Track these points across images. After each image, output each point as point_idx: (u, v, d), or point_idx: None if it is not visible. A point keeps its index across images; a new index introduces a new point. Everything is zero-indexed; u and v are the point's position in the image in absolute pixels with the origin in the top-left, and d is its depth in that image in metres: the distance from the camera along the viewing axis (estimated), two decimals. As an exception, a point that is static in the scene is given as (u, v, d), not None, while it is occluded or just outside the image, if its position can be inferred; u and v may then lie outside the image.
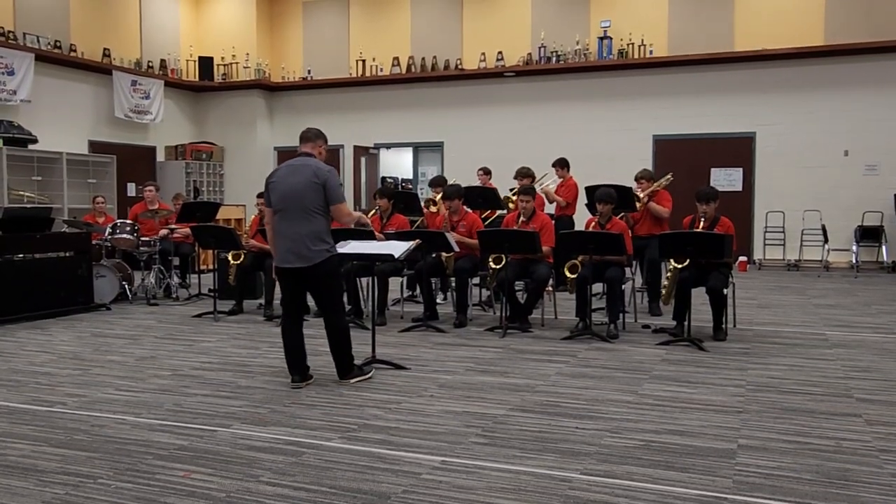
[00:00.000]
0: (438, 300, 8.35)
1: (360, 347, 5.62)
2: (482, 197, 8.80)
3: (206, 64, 14.93)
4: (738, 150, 12.70)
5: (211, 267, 9.99)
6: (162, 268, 9.22)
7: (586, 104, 13.46)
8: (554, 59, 13.37)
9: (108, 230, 8.90)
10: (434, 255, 7.31)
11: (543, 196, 9.05)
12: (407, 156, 15.72)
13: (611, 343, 6.35)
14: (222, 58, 15.06)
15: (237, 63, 15.02)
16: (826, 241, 11.78)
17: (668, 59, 12.74)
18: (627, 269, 7.20)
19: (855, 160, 12.09)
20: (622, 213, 7.67)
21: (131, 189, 13.34)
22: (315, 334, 6.04)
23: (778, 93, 12.42)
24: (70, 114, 12.60)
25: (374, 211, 8.08)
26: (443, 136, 14.46)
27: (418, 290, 8.42)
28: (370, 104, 14.88)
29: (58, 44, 12.26)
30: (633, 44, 12.95)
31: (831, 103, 12.15)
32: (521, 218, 7.11)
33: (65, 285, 8.06)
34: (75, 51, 12.54)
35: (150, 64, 14.03)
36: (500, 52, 13.71)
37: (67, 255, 8.20)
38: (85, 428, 4.11)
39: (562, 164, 9.38)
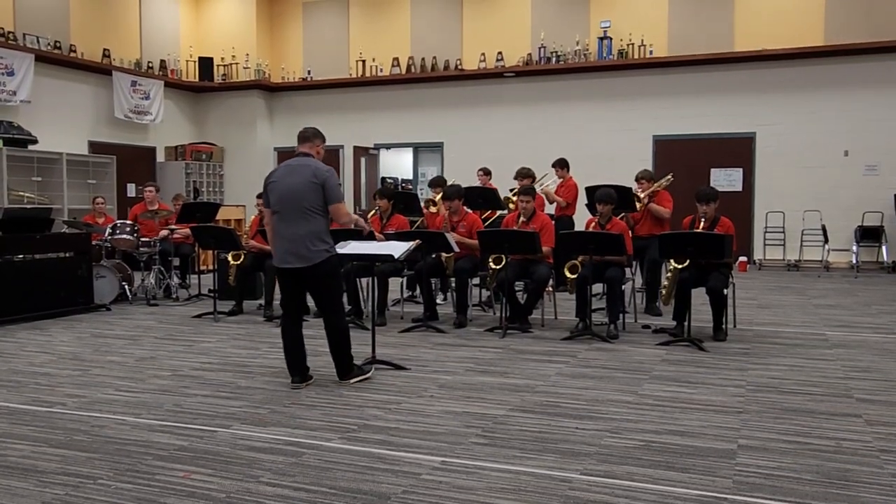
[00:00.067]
0: (438, 300, 8.35)
1: (360, 348, 5.62)
2: (482, 197, 8.79)
3: (205, 64, 14.93)
4: (738, 150, 12.70)
5: (211, 267, 10.00)
6: (162, 268, 9.22)
7: (586, 104, 13.46)
8: (554, 59, 13.37)
9: (108, 231, 8.90)
10: (434, 256, 7.31)
11: (543, 196, 9.05)
12: (407, 156, 15.72)
13: (611, 343, 6.35)
14: (222, 58, 15.06)
15: (237, 63, 15.02)
16: (826, 241, 11.78)
17: (668, 60, 12.74)
18: (627, 270, 7.20)
19: (855, 160, 12.09)
20: (623, 214, 7.67)
21: (131, 189, 13.34)
22: (315, 335, 6.04)
23: (778, 93, 12.42)
24: (70, 114, 12.60)
25: (373, 211, 8.08)
26: (443, 136, 14.46)
27: (418, 291, 8.42)
28: (370, 104, 14.88)
29: (58, 44, 12.26)
30: (632, 44, 12.95)
31: (831, 103, 12.15)
32: (521, 218, 7.10)
33: (65, 286, 8.06)
34: (75, 51, 12.54)
35: (150, 64, 14.03)
36: (499, 53, 13.71)
37: (67, 255, 8.20)
38: (85, 428, 4.11)
39: (561, 165, 9.38)
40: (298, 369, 5.01)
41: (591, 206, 7.70)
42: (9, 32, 11.49)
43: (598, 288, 7.59)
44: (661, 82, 12.99)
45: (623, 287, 6.88)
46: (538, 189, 8.73)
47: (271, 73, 15.16)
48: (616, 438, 3.87)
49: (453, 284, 7.67)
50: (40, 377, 5.33)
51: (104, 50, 13.08)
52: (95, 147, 12.92)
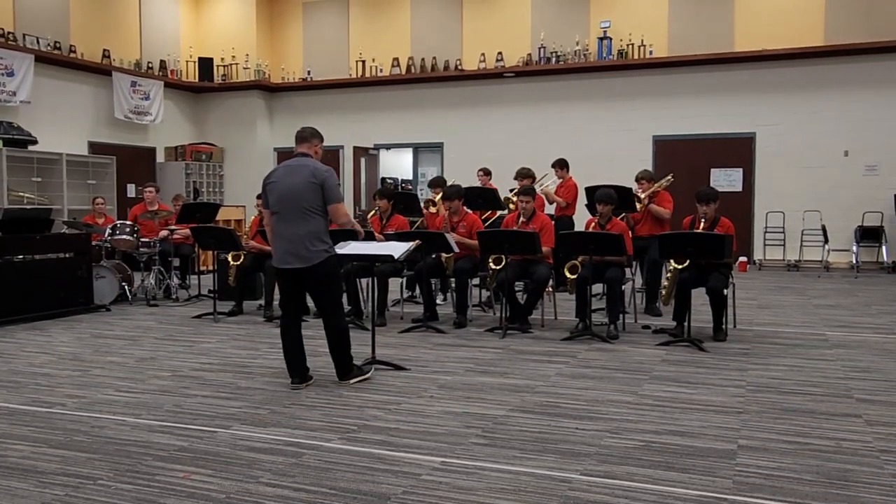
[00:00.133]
0: (438, 301, 8.35)
1: (360, 348, 5.62)
2: (482, 198, 8.79)
3: (205, 65, 14.93)
4: (738, 150, 12.70)
5: (211, 268, 9.99)
6: (162, 269, 9.22)
7: (586, 105, 13.46)
8: (554, 59, 13.37)
9: (108, 231, 8.90)
10: (434, 256, 7.30)
11: (543, 197, 9.05)
12: (407, 156, 15.73)
13: (611, 344, 6.35)
14: (222, 59, 15.06)
15: (237, 64, 15.02)
16: (826, 241, 11.78)
17: (667, 60, 12.74)
18: (627, 270, 7.20)
19: (855, 160, 12.09)
20: (623, 214, 7.67)
21: (131, 190, 13.34)
22: (315, 335, 6.04)
23: (778, 93, 12.42)
24: (70, 115, 12.60)
25: (373, 212, 8.08)
26: (442, 136, 14.46)
27: (418, 291, 8.42)
28: (370, 105, 14.88)
29: (57, 45, 12.26)
30: (632, 44, 12.95)
31: (831, 103, 12.15)
32: (521, 218, 7.10)
33: (65, 286, 8.05)
34: (75, 52, 12.54)
35: (150, 65, 14.03)
36: (499, 53, 13.71)
37: (67, 256, 8.20)
38: (85, 429, 4.11)
39: (561, 165, 9.38)
40: (298, 370, 5.01)
41: (590, 207, 7.70)
42: (9, 33, 11.49)
43: (597, 288, 7.60)
44: (661, 82, 12.99)
45: (623, 287, 6.88)
46: (538, 189, 8.73)
47: (271, 73, 15.16)
48: (616, 439, 3.87)
49: (453, 285, 7.67)
50: (40, 378, 5.33)
51: (104, 50, 13.08)
52: (95, 147, 12.93)
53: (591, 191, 7.80)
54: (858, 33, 11.76)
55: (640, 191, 8.10)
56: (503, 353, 5.99)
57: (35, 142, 11.32)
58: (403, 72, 14.38)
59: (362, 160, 14.72)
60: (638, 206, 7.96)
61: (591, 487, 3.24)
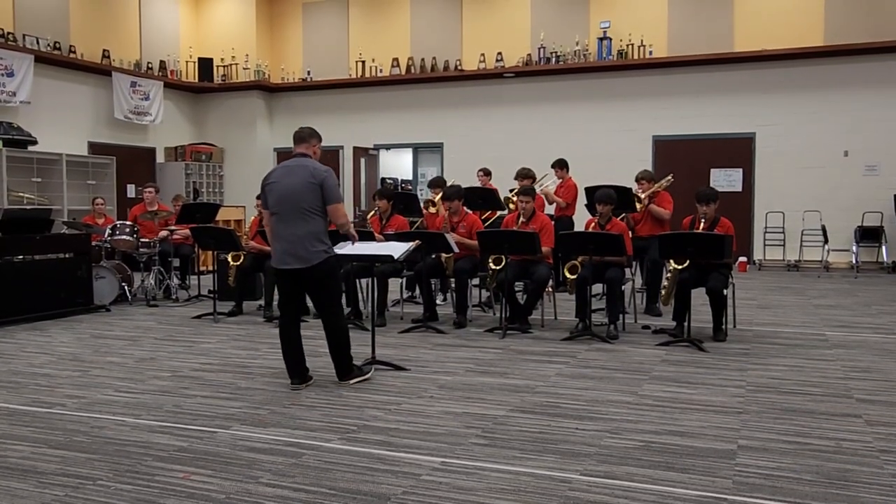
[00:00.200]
0: (438, 301, 8.35)
1: (360, 348, 5.62)
2: (482, 198, 8.79)
3: (205, 65, 14.93)
4: (738, 150, 12.70)
5: (210, 268, 9.99)
6: (161, 269, 9.22)
7: (586, 105, 13.46)
8: (553, 59, 13.37)
9: (108, 231, 8.90)
10: (434, 256, 7.30)
11: (543, 197, 9.04)
12: (406, 157, 15.73)
13: (611, 344, 6.35)
14: (222, 59, 15.06)
15: (237, 64, 15.02)
16: (826, 241, 11.78)
17: (667, 60, 12.74)
18: (627, 270, 7.20)
19: (855, 160, 12.09)
20: (623, 214, 7.67)
21: (131, 190, 13.34)
22: (315, 335, 6.04)
23: (778, 93, 12.42)
24: (70, 115, 12.60)
25: (373, 212, 8.08)
26: (442, 136, 14.46)
27: (418, 291, 8.42)
28: (370, 105, 14.88)
29: (57, 45, 12.27)
30: (632, 44, 12.95)
31: (831, 103, 12.16)
32: (521, 219, 7.10)
33: (64, 287, 8.05)
34: (75, 52, 12.54)
35: (150, 65, 14.03)
36: (499, 53, 13.71)
37: (67, 256, 8.20)
38: (84, 429, 4.11)
39: (561, 165, 9.38)
40: (297, 371, 5.01)
41: (590, 207, 7.70)
42: (8, 33, 11.49)
43: (597, 288, 7.60)
44: (661, 82, 12.99)
45: (623, 288, 6.88)
46: (538, 189, 8.72)
47: (271, 73, 15.16)
48: (616, 439, 3.87)
49: (453, 285, 7.67)
50: (40, 378, 5.33)
51: (104, 51, 13.08)
52: (95, 148, 12.93)
53: (590, 191, 7.80)
54: (858, 33, 11.76)
55: (641, 191, 8.10)
56: (503, 354, 5.99)
57: (35, 142, 11.32)
58: (403, 72, 14.38)
59: (362, 160, 14.72)
60: (638, 206, 7.96)
61: (591, 488, 3.24)
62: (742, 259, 12.18)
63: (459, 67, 14.04)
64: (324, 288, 4.98)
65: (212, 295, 8.49)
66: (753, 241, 12.68)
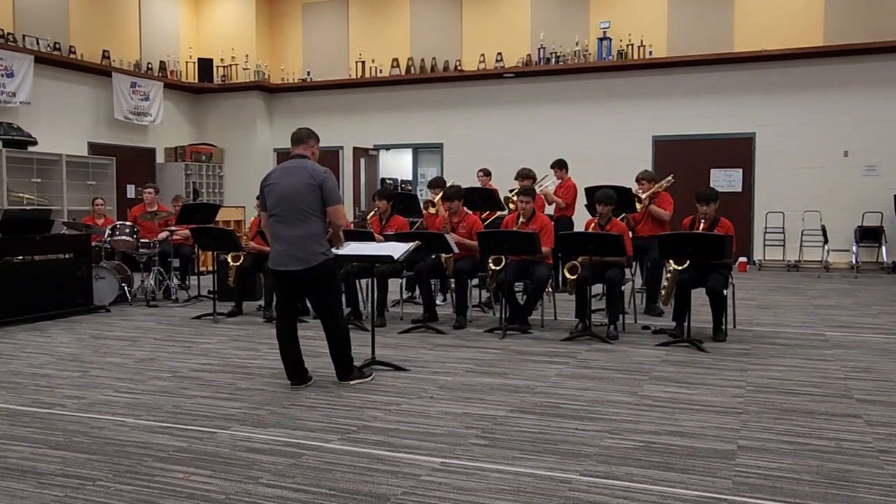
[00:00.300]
0: (438, 301, 8.35)
1: (360, 349, 5.61)
2: (482, 198, 8.79)
3: (205, 65, 14.94)
4: (738, 150, 12.71)
5: (210, 269, 9.99)
6: (161, 269, 9.22)
7: (586, 105, 13.46)
8: (553, 60, 13.37)
9: (108, 232, 8.90)
10: (433, 257, 7.30)
11: (543, 197, 9.04)
12: (406, 157, 15.73)
13: (610, 344, 6.35)
14: (222, 59, 15.07)
15: (237, 64, 15.03)
16: (826, 241, 11.77)
17: (667, 60, 12.74)
18: (627, 271, 7.20)
19: (855, 160, 12.09)
20: (623, 215, 7.67)
21: (131, 191, 13.34)
22: (315, 336, 6.04)
23: (778, 93, 12.43)
24: (69, 116, 12.60)
25: (373, 212, 8.08)
26: (442, 137, 14.46)
27: (417, 292, 8.42)
28: (370, 105, 14.88)
29: (57, 46, 12.27)
30: (632, 44, 12.95)
31: (831, 103, 12.16)
32: (521, 219, 7.10)
33: (64, 287, 8.05)
34: (75, 53, 12.55)
35: (150, 66, 14.03)
36: (499, 54, 13.72)
37: (67, 256, 8.20)
38: (84, 430, 4.11)
39: (560, 166, 9.38)
40: (296, 372, 5.00)
41: (590, 207, 7.70)
42: (8, 34, 11.49)
43: (597, 289, 7.59)
44: (661, 83, 12.99)
45: (623, 288, 6.88)
46: (537, 190, 8.72)
47: (271, 74, 15.17)
48: (615, 439, 3.87)
49: (453, 285, 7.67)
50: (40, 378, 5.33)
51: (104, 51, 13.08)
52: (95, 148, 12.93)
53: (590, 191, 7.79)
54: (858, 33, 11.76)
55: (641, 191, 8.10)
56: (503, 354, 5.99)
57: (35, 143, 11.32)
58: (403, 72, 14.38)
59: (362, 161, 14.72)
60: (638, 206, 7.96)
61: (591, 488, 3.24)
62: (742, 259, 12.18)
63: (459, 68, 14.05)
64: (323, 289, 4.97)
65: (211, 295, 8.49)
66: (753, 241, 12.68)
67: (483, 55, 13.85)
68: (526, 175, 8.83)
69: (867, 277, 11.13)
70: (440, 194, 8.03)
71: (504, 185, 9.85)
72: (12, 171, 10.94)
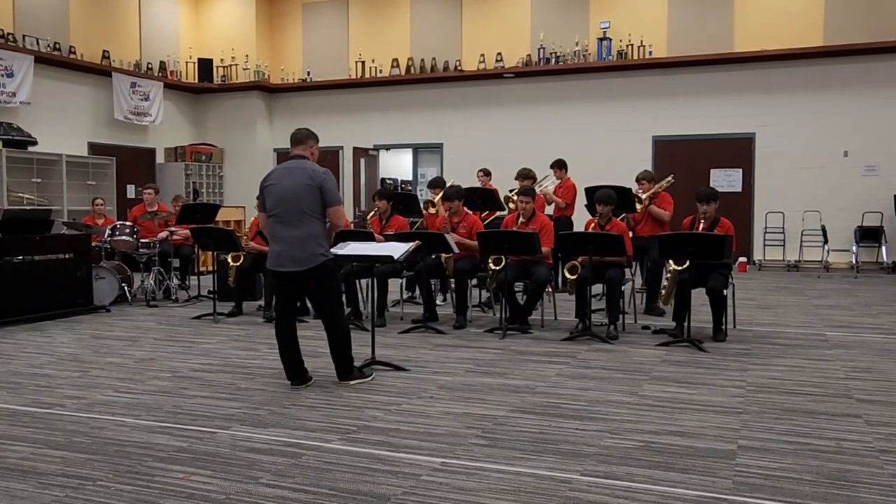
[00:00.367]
0: (438, 301, 8.35)
1: (360, 349, 5.61)
2: (482, 198, 8.79)
3: (205, 66, 14.94)
4: (738, 150, 12.71)
5: (210, 269, 9.99)
6: (161, 269, 9.22)
7: (586, 105, 13.46)
8: (553, 60, 13.37)
9: (108, 232, 8.90)
10: (433, 257, 7.30)
11: (542, 197, 9.04)
12: (406, 157, 15.73)
13: (611, 344, 6.35)
14: (221, 59, 15.07)
15: (237, 65, 15.03)
16: (826, 241, 11.78)
17: (667, 60, 12.74)
18: (627, 271, 7.19)
19: (855, 160, 12.09)
20: (623, 215, 7.67)
21: (131, 191, 13.34)
22: (315, 336, 6.04)
23: (778, 93, 12.43)
24: (69, 116, 12.60)
25: (373, 212, 8.08)
26: (442, 137, 14.47)
27: (418, 292, 8.42)
28: (369, 105, 14.89)
29: (57, 46, 12.27)
30: (632, 45, 12.95)
31: (831, 104, 12.16)
32: (521, 219, 7.10)
33: (64, 287, 8.05)
34: (75, 53, 12.55)
35: (150, 66, 14.04)
36: (499, 54, 13.72)
37: (67, 256, 8.20)
38: (84, 430, 4.11)
39: (560, 166, 9.38)
40: (295, 372, 5.00)
41: (590, 207, 7.69)
42: (8, 34, 11.49)
43: (597, 289, 7.59)
44: (661, 83, 12.99)
45: (623, 288, 6.88)
46: (537, 190, 8.72)
47: (271, 74, 15.17)
48: (616, 439, 3.87)
49: (453, 285, 7.66)
50: (40, 378, 5.33)
51: (104, 51, 13.08)
52: (95, 148, 12.93)
53: (590, 191, 7.79)
54: (858, 33, 11.76)
55: (641, 191, 8.10)
56: (503, 354, 5.99)
57: (35, 143, 11.32)
58: (403, 72, 14.38)
59: (362, 161, 14.72)
60: (638, 206, 7.96)
61: (591, 488, 3.24)
62: (742, 259, 12.18)
63: (459, 68, 14.05)
64: (323, 289, 4.97)
65: (211, 295, 8.49)
66: (753, 241, 12.68)
67: (483, 55, 13.85)
68: (526, 175, 8.83)
69: (867, 277, 11.13)
70: (440, 194, 8.03)
71: (504, 185, 9.85)
72: (12, 171, 10.94)
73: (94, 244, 8.69)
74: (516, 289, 7.32)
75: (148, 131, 14.16)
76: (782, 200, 12.45)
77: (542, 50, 13.42)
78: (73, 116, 12.68)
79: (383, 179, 15.33)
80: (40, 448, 3.82)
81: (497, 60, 13.73)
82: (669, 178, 8.40)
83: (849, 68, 12.02)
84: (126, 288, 8.85)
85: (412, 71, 14.34)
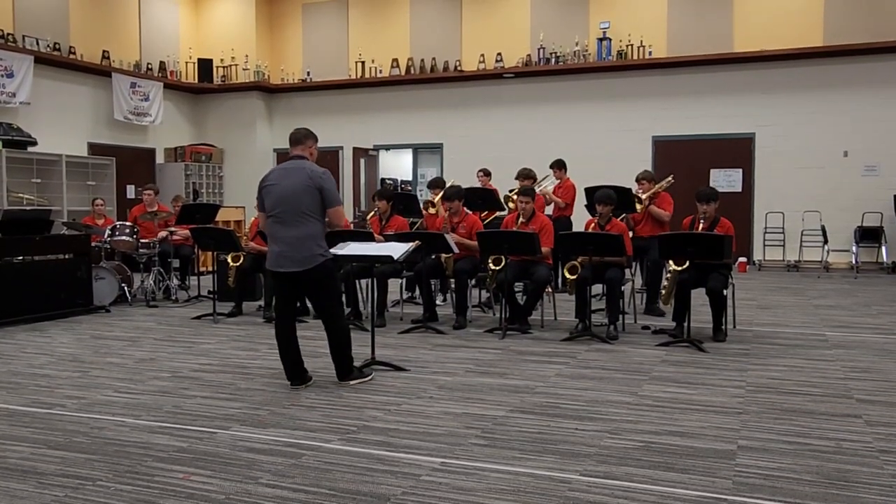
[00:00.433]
0: (438, 301, 8.35)
1: (360, 349, 5.61)
2: (482, 198, 8.79)
3: (205, 66, 14.94)
4: (738, 150, 12.71)
5: (210, 269, 9.99)
6: (161, 270, 9.22)
7: (586, 105, 13.46)
8: (553, 60, 13.37)
9: (108, 232, 8.90)
10: (433, 257, 7.30)
11: (542, 197, 9.03)
12: (406, 157, 15.73)
13: (610, 344, 6.35)
14: (221, 60, 15.07)
15: (236, 65, 15.03)
16: (826, 241, 11.78)
17: (667, 60, 12.75)
18: (627, 271, 7.19)
19: (855, 160, 12.09)
20: (623, 215, 7.67)
21: (131, 191, 13.34)
22: (315, 336, 6.04)
23: (778, 93, 12.43)
24: (69, 116, 12.60)
25: (373, 212, 8.08)
26: (442, 137, 14.47)
27: (417, 292, 8.42)
28: (369, 106, 14.89)
29: (57, 46, 12.27)
30: (632, 45, 12.95)
31: (831, 104, 12.16)
32: (521, 219, 7.10)
33: (64, 287, 8.05)
34: (74, 53, 12.55)
35: (150, 66, 14.04)
36: (499, 54, 13.72)
37: (67, 257, 8.20)
38: (84, 430, 4.11)
39: (559, 166, 9.38)
40: (295, 372, 5.00)
41: (590, 207, 7.69)
42: (8, 34, 11.49)
43: (597, 289, 7.59)
44: (661, 83, 12.99)
45: (623, 288, 6.88)
46: (537, 190, 8.71)
47: (271, 74, 15.17)
48: (615, 439, 3.87)
49: (453, 285, 7.66)
50: (40, 379, 5.33)
51: (104, 52, 13.08)
52: (95, 149, 12.93)
53: (590, 191, 7.79)
54: (858, 33, 11.77)
55: (641, 191, 8.10)
56: (503, 354, 5.99)
57: (35, 143, 11.32)
58: (403, 73, 14.38)
59: (362, 161, 14.72)
60: (638, 206, 7.96)
61: (591, 488, 3.24)
62: (742, 259, 12.18)
63: (459, 68, 14.05)
64: (322, 290, 4.97)
65: (211, 295, 8.49)
66: (753, 241, 12.68)
67: (483, 55, 13.85)
68: (526, 175, 8.83)
69: (867, 277, 11.13)
70: (440, 194, 8.03)
71: (504, 185, 9.86)
72: (12, 171, 10.94)
73: (93, 244, 8.69)
74: (516, 289, 7.32)
75: (148, 131, 14.16)
76: (782, 200, 12.45)
77: (541, 50, 13.42)
78: (73, 117, 12.68)
79: (383, 180, 15.33)
80: (40, 448, 3.82)
81: (497, 60, 13.73)
82: (669, 178, 8.40)
83: (848, 68, 12.02)
84: (126, 288, 8.85)
85: (412, 71, 14.34)
